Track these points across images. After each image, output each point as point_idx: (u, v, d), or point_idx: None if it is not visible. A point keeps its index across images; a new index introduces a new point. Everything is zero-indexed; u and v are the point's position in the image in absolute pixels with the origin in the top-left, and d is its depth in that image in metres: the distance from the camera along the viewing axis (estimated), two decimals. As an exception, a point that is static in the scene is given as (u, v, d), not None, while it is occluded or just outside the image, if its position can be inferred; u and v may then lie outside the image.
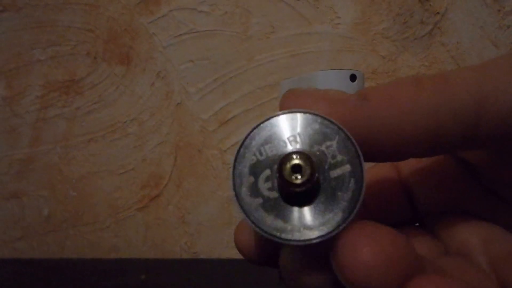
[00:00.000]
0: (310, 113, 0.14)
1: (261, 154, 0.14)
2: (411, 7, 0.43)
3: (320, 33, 0.44)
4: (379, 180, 0.19)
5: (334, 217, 0.13)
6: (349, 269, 0.12)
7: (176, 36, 0.45)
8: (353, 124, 0.14)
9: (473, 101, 0.14)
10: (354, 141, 0.13)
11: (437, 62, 0.44)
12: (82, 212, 0.47)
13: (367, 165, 0.14)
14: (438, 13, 0.43)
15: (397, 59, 0.44)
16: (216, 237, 0.46)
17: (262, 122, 0.14)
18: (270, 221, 0.13)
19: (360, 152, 0.13)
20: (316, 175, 0.13)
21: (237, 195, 0.13)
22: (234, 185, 0.13)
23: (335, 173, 0.13)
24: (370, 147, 0.14)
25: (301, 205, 0.13)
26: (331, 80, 0.26)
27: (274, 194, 0.13)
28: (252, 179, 0.13)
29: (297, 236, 0.13)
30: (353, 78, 0.26)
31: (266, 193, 0.13)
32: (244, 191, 0.13)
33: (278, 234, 0.13)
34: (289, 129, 0.14)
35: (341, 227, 0.13)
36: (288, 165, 0.13)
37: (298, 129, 0.14)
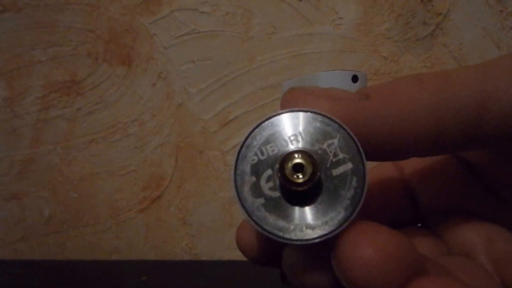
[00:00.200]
0: (311, 112, 0.14)
1: (262, 153, 0.14)
2: (413, 7, 0.43)
3: (322, 34, 0.44)
4: (381, 180, 0.19)
5: (336, 216, 0.13)
6: (350, 269, 0.12)
7: (177, 36, 0.45)
8: (354, 122, 0.14)
9: (474, 100, 0.14)
10: (355, 139, 0.13)
11: (439, 63, 0.44)
12: (83, 214, 0.47)
13: (369, 164, 0.14)
14: (440, 14, 0.43)
15: (399, 60, 0.44)
16: (217, 238, 0.46)
17: (263, 122, 0.14)
18: (272, 221, 0.13)
19: (362, 150, 0.13)
20: (318, 174, 0.13)
21: (239, 195, 0.13)
22: (235, 185, 0.13)
23: (337, 171, 0.13)
24: (371, 145, 0.14)
25: (303, 204, 0.13)
26: (333, 81, 0.26)
27: (276, 194, 0.13)
28: (253, 178, 0.13)
29: (299, 235, 0.13)
30: (355, 79, 0.25)
31: (268, 192, 0.13)
32: (246, 191, 0.13)
33: (280, 233, 0.13)
34: (290, 128, 0.14)
35: (343, 226, 0.13)
36: (290, 164, 0.13)
37: (300, 128, 0.14)
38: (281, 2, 0.44)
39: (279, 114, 0.14)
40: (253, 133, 0.14)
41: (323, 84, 0.26)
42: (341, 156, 0.13)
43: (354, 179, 0.13)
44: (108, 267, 0.45)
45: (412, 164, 0.19)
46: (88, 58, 0.45)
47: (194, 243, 0.46)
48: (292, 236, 0.13)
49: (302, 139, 0.14)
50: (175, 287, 0.41)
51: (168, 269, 0.45)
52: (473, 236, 0.16)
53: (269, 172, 0.13)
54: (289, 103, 0.15)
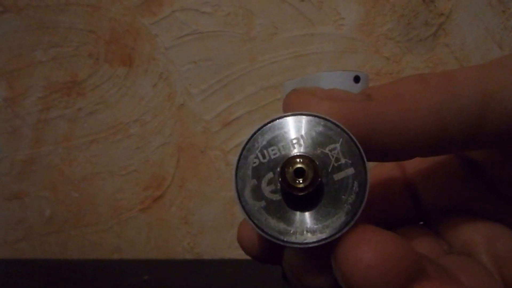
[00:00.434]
0: (313, 116, 0.14)
1: (264, 156, 0.14)
2: (416, 8, 0.43)
3: (324, 34, 0.44)
4: (383, 178, 0.19)
5: (337, 220, 0.13)
6: (349, 272, 0.12)
7: (179, 37, 0.45)
8: (357, 123, 0.14)
9: (477, 100, 0.14)
10: (358, 144, 0.13)
11: (441, 64, 0.44)
12: (84, 213, 0.47)
13: (371, 163, 0.14)
14: (442, 14, 0.43)
15: (401, 61, 0.44)
16: (218, 237, 0.46)
17: (265, 124, 0.14)
18: (272, 224, 0.13)
19: (364, 155, 0.13)
20: (319, 179, 0.13)
21: (240, 198, 0.13)
22: (236, 187, 0.13)
23: (338, 176, 0.13)
24: (374, 146, 0.14)
25: (304, 209, 0.13)
26: (335, 81, 0.26)
27: (277, 197, 0.13)
28: (254, 181, 0.13)
29: (299, 239, 0.13)
30: (357, 79, 0.25)
31: (269, 196, 0.13)
32: (247, 193, 0.13)
33: (280, 236, 0.13)
34: (292, 132, 0.14)
35: (343, 231, 0.13)
36: (291, 169, 0.13)
37: (302, 132, 0.14)
38: (282, 3, 0.44)
39: (281, 117, 0.14)
40: (255, 135, 0.14)
41: (325, 84, 0.26)
42: (343, 160, 0.13)
43: (356, 184, 0.13)
44: (109, 266, 0.45)
45: (414, 163, 0.19)
46: (89, 58, 0.45)
47: (195, 242, 0.46)
48: (293, 239, 0.13)
49: (304, 143, 0.13)
50: (176, 286, 0.41)
51: (169, 268, 0.45)
52: (474, 235, 0.16)
53: (270, 175, 0.13)
54: (291, 105, 0.15)
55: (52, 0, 0.45)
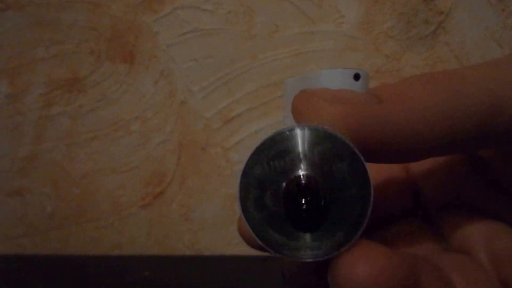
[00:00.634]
0: (323, 130, 0.13)
1: (269, 168, 0.13)
2: (415, 6, 0.43)
3: (324, 32, 0.44)
4: (384, 172, 0.19)
5: (337, 239, 0.13)
6: (345, 285, 0.12)
7: (180, 34, 0.45)
8: (368, 128, 0.14)
9: (489, 100, 0.14)
10: (365, 163, 0.13)
11: (441, 62, 0.44)
12: (85, 210, 0.47)
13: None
14: (442, 12, 0.43)
15: (401, 58, 0.44)
16: (219, 234, 0.46)
17: (273, 135, 0.14)
18: (272, 235, 0.13)
19: (369, 175, 0.13)
20: (322, 199, 0.13)
21: (243, 207, 0.13)
22: (240, 196, 0.13)
23: (342, 194, 0.13)
24: (381, 148, 0.14)
25: (304, 227, 0.13)
26: (335, 79, 0.26)
27: (279, 210, 0.13)
28: (258, 192, 0.13)
29: (296, 253, 0.13)
30: (357, 77, 0.25)
31: (272, 208, 0.13)
32: (250, 203, 0.13)
33: (280, 249, 0.13)
34: (300, 146, 0.13)
35: (342, 249, 0.13)
36: (295, 187, 0.13)
37: (309, 146, 0.13)
38: (283, 1, 0.44)
39: (290, 129, 0.13)
40: (261, 146, 0.14)
41: (325, 82, 0.26)
42: (348, 180, 0.13)
43: (359, 205, 0.13)
44: (110, 262, 0.45)
45: None
46: (90, 55, 0.45)
47: (196, 239, 0.46)
48: (289, 253, 0.13)
49: (311, 158, 0.13)
50: (177, 282, 0.41)
51: (170, 264, 0.45)
52: (473, 233, 0.16)
53: (274, 187, 0.13)
54: (301, 109, 0.15)
55: (53, -3, 0.45)
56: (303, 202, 0.13)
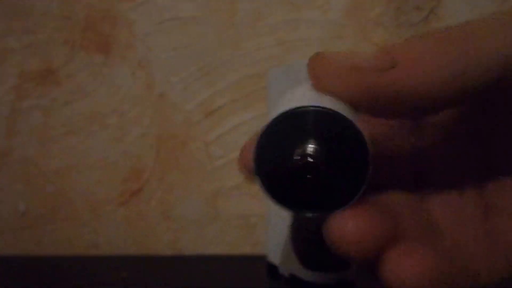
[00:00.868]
0: (332, 112, 0.14)
1: (280, 138, 0.15)
2: (405, -9, 0.42)
3: (310, 20, 0.43)
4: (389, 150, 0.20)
5: (335, 200, 0.15)
6: (336, 239, 0.14)
7: (158, 23, 0.44)
8: (382, 93, 0.15)
9: (503, 51, 0.14)
10: (368, 146, 0.14)
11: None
12: (59, 208, 0.46)
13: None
14: (433, -3, 0.42)
15: (390, 46, 0.43)
16: (201, 232, 0.45)
17: (288, 112, 0.15)
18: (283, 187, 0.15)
19: (370, 152, 0.14)
20: (325, 174, 0.15)
21: (257, 151, 0.15)
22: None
23: (342, 170, 0.15)
24: (391, 109, 0.15)
25: (310, 191, 0.15)
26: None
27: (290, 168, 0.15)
28: (273, 151, 0.15)
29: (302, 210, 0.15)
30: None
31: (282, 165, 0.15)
32: (264, 157, 0.15)
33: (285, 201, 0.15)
34: (310, 123, 0.15)
35: (337, 211, 0.15)
36: (301, 163, 0.14)
37: (313, 123, 0.15)
38: (265, -15, 0.43)
39: (304, 110, 0.15)
40: (278, 119, 0.15)
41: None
42: (349, 156, 0.15)
43: (356, 178, 0.15)
44: (86, 262, 0.45)
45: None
46: (64, 45, 0.44)
47: (176, 238, 0.45)
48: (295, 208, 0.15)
49: (318, 137, 0.15)
50: (157, 283, 0.40)
51: (149, 265, 0.44)
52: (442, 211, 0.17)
53: (287, 154, 0.15)
54: (318, 73, 0.16)
55: (25, -16, 0.43)
56: (308, 176, 0.15)
